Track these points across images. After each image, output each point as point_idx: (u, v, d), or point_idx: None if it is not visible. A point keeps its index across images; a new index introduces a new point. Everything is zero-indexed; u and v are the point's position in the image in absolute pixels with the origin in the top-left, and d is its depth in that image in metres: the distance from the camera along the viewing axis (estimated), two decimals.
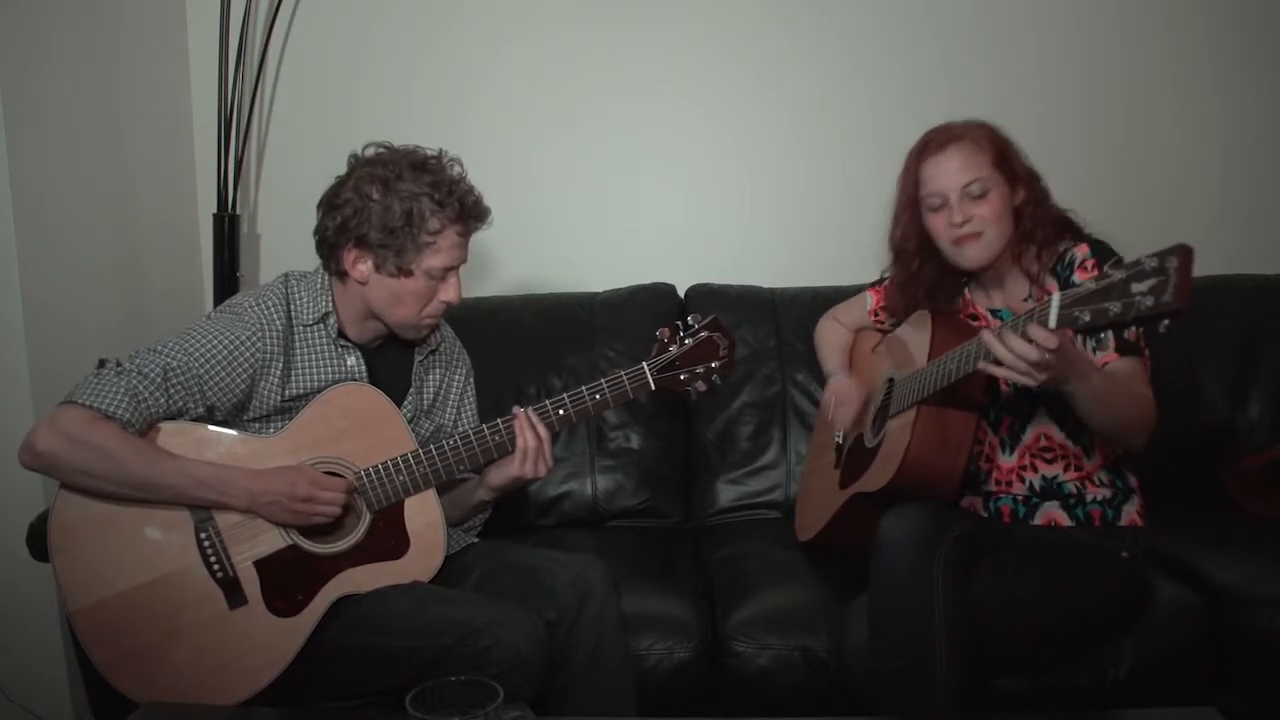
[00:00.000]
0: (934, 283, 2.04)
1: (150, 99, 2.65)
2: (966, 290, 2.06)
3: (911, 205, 2.00)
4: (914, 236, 2.02)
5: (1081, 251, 1.91)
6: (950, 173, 1.93)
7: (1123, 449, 1.93)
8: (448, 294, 1.92)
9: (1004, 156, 1.94)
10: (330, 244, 1.91)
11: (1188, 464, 2.45)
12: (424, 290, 1.90)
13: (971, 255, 1.95)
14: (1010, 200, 1.94)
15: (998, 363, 1.65)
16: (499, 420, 1.92)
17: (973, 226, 1.93)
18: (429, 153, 1.92)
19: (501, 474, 1.94)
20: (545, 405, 1.93)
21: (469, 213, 1.90)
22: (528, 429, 1.90)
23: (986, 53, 2.76)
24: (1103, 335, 1.55)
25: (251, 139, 2.74)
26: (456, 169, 1.92)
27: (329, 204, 1.90)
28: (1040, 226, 1.95)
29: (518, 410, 1.92)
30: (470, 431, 1.91)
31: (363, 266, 1.89)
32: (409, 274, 1.88)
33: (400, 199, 1.85)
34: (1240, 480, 2.43)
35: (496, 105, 2.78)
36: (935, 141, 1.96)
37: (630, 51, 2.78)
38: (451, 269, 1.91)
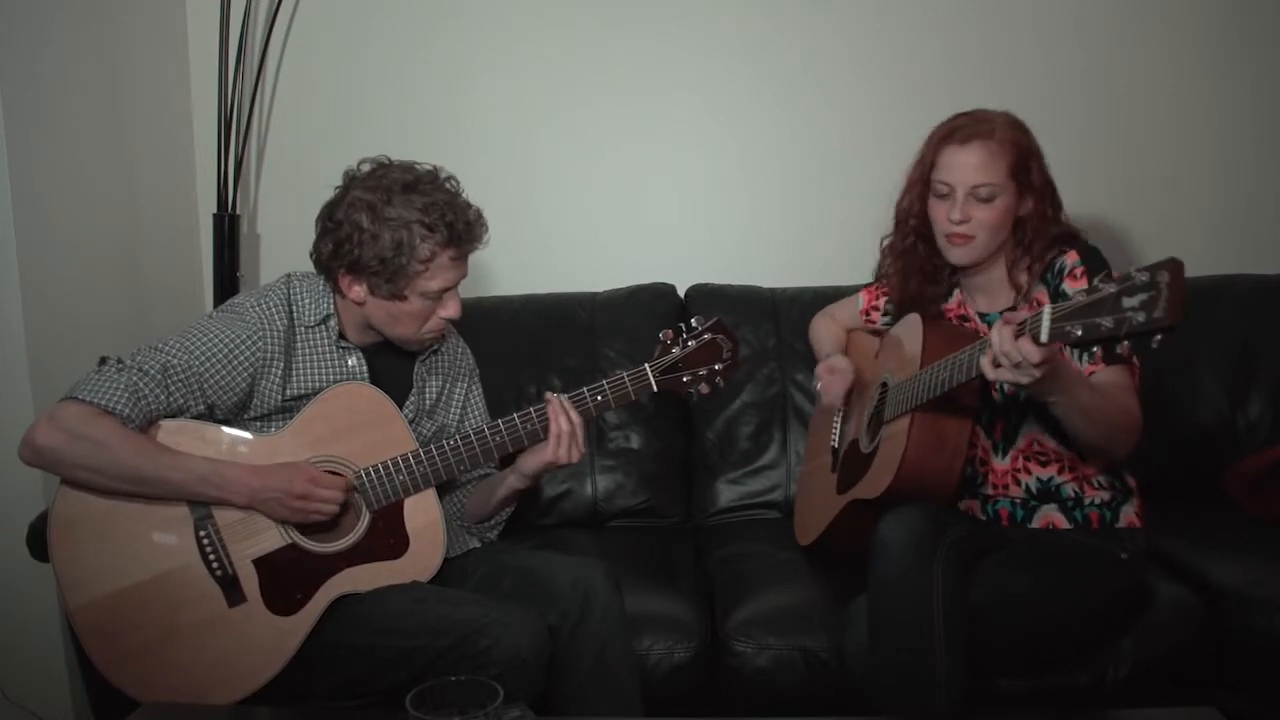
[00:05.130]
0: (924, 273, 2.04)
1: (150, 99, 2.65)
2: (959, 290, 2.06)
3: (921, 184, 1.99)
4: (915, 215, 2.02)
5: (1071, 259, 1.89)
6: (964, 168, 1.91)
7: (1105, 460, 1.93)
8: (446, 311, 1.90)
9: (1024, 165, 1.91)
10: (325, 266, 1.90)
11: (1187, 464, 2.45)
12: (421, 310, 1.89)
13: (958, 254, 1.96)
14: (1015, 209, 1.93)
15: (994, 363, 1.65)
16: (499, 420, 1.93)
17: (967, 229, 1.92)
18: (423, 170, 1.88)
19: (535, 460, 1.94)
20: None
21: (459, 237, 1.85)
22: (560, 414, 1.90)
23: (986, 53, 2.75)
24: (1095, 349, 1.54)
25: (251, 139, 2.74)
26: (450, 186, 1.88)
27: (324, 224, 1.89)
28: (1040, 239, 1.93)
29: (550, 395, 1.92)
30: (471, 432, 1.91)
31: (358, 289, 1.88)
32: (403, 298, 1.86)
33: (390, 228, 1.82)
34: (1240, 480, 2.42)
35: (497, 105, 2.78)
36: (962, 132, 1.93)
37: (631, 52, 2.78)
38: (447, 289, 1.89)
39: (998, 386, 1.93)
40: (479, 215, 1.90)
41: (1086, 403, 1.73)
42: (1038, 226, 1.93)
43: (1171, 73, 2.76)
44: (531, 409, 1.92)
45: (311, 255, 1.91)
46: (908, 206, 2.03)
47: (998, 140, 1.91)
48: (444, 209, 1.84)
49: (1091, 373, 1.83)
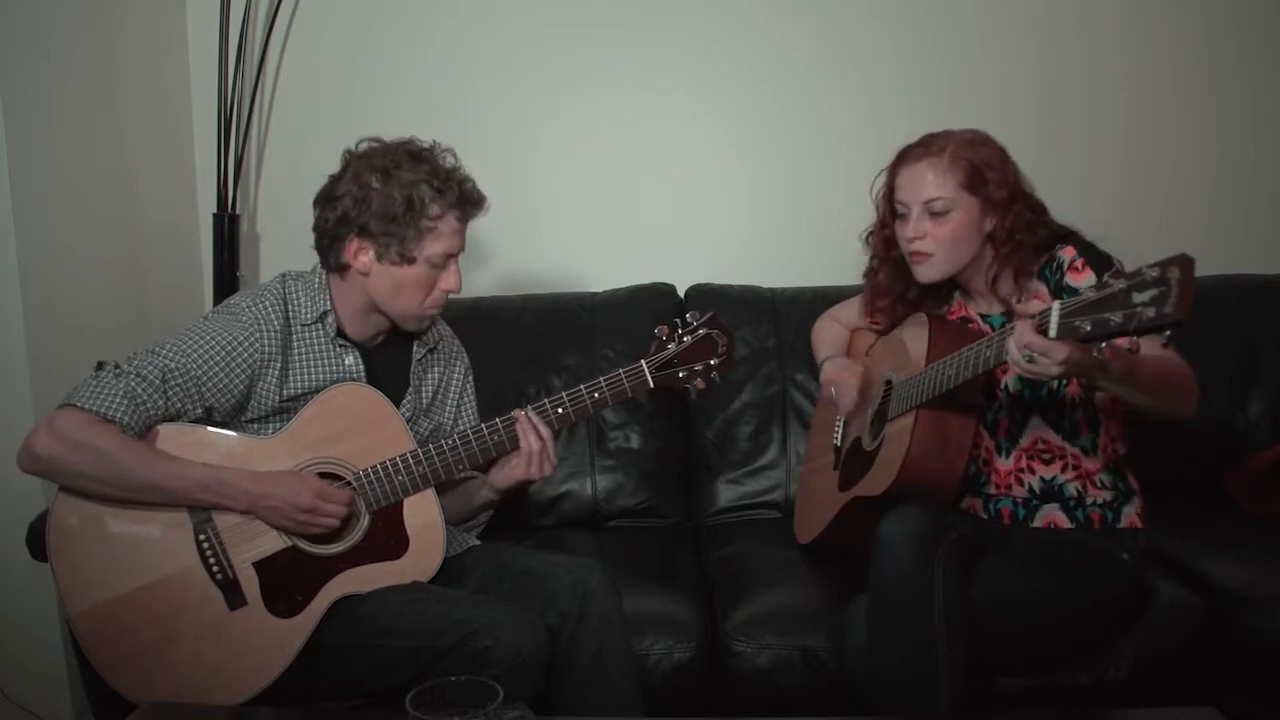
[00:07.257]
0: (900, 296, 2.06)
1: (150, 99, 2.65)
2: (957, 295, 2.06)
3: (886, 209, 2.03)
4: (879, 237, 2.07)
5: (1068, 254, 1.88)
6: (916, 185, 1.94)
7: (1174, 422, 1.84)
8: (448, 282, 1.92)
9: (980, 178, 1.91)
10: (331, 236, 1.91)
11: (1187, 464, 2.45)
12: (425, 278, 1.90)
13: (921, 272, 1.98)
14: (979, 223, 1.93)
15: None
16: (498, 419, 1.93)
17: (923, 245, 1.94)
18: (423, 144, 1.94)
19: (506, 476, 1.96)
20: (544, 404, 1.94)
21: (467, 198, 1.91)
22: (530, 431, 1.91)
23: (986, 54, 2.75)
24: (1104, 345, 1.54)
25: (251, 139, 2.74)
26: (450, 159, 1.94)
27: (326, 198, 1.91)
28: (1018, 252, 1.92)
29: (518, 413, 1.92)
30: (469, 431, 1.92)
31: (365, 257, 1.89)
32: (411, 261, 1.88)
33: (400, 186, 1.86)
34: (1240, 480, 2.43)
35: (496, 105, 2.78)
36: (914, 152, 1.97)
37: (630, 51, 2.78)
38: (451, 256, 1.92)
39: (1003, 386, 1.94)
40: (477, 185, 1.96)
41: (1125, 370, 1.66)
42: (1013, 239, 1.91)
43: (1171, 73, 2.76)
44: (499, 420, 1.93)
45: (314, 229, 1.93)
46: (875, 231, 2.08)
47: (949, 156, 1.92)
48: (449, 173, 1.90)
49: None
